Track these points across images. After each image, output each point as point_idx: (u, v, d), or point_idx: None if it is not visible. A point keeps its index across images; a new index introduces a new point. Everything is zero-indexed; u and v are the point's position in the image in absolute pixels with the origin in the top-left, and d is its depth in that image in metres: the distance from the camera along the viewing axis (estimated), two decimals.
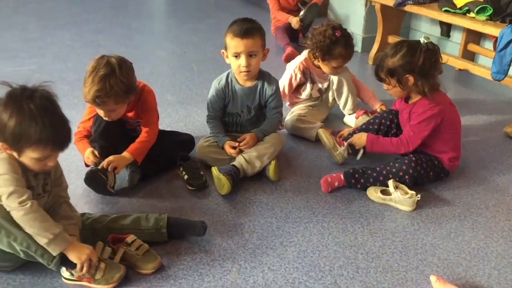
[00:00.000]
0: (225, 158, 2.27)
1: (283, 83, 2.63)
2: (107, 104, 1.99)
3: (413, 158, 2.14)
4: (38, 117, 1.47)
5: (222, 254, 1.81)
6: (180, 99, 3.08)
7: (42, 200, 1.65)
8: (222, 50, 2.28)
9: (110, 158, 2.05)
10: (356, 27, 3.94)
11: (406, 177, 2.12)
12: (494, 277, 1.73)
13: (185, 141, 2.40)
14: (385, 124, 2.34)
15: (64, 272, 1.63)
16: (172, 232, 1.83)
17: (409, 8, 3.35)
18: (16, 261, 1.63)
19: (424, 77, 2.09)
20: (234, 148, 2.25)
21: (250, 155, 2.21)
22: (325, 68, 2.56)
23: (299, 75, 2.62)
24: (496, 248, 1.88)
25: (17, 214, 1.49)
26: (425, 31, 3.97)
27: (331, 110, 2.83)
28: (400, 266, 1.77)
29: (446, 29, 3.61)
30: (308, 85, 2.67)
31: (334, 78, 2.62)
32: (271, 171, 2.21)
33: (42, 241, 1.51)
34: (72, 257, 1.56)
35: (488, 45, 3.47)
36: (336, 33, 2.47)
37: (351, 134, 2.40)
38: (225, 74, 2.35)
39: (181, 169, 2.24)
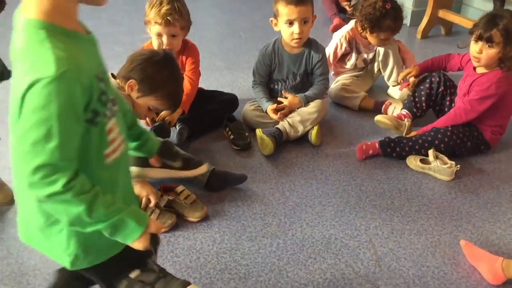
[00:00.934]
0: (269, 122, 2.36)
1: (329, 52, 2.68)
2: (175, 25, 2.13)
3: (449, 128, 2.17)
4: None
5: (264, 209, 1.92)
6: (227, 64, 3.18)
7: None
8: (271, 19, 2.35)
9: (163, 113, 2.19)
10: (407, 0, 3.90)
11: (442, 145, 2.16)
12: None
13: (229, 100, 2.49)
14: (435, 83, 2.37)
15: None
16: (213, 181, 1.98)
17: None
18: None
19: None
20: (277, 111, 2.33)
21: (293, 120, 2.29)
22: (372, 39, 2.58)
23: (344, 45, 2.66)
24: None
25: None
26: (477, 6, 3.89)
27: (375, 81, 2.86)
28: (434, 230, 1.83)
29: (500, 3, 3.52)
30: (354, 55, 2.70)
31: (381, 50, 2.65)
32: (313, 135, 2.28)
33: None
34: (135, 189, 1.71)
35: None
36: (386, 6, 2.48)
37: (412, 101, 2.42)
38: (272, 41, 2.42)
39: (227, 129, 2.35)
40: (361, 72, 2.79)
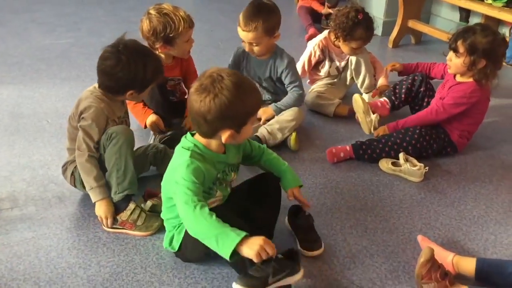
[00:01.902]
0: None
1: (303, 60, 2.80)
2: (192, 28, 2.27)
3: (417, 131, 2.31)
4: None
5: None
6: None
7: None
8: None
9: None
10: (377, 11, 4.07)
11: (410, 148, 2.29)
12: (491, 241, 1.90)
13: None
14: (417, 80, 2.53)
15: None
16: None
17: None
18: None
19: (493, 66, 2.23)
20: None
21: (272, 128, 2.40)
22: (344, 48, 2.71)
23: (318, 53, 2.79)
24: (495, 217, 2.04)
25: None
26: (445, 16, 4.08)
27: (349, 88, 2.99)
28: (405, 228, 1.95)
29: (465, 15, 3.71)
30: (327, 63, 2.83)
31: (353, 58, 2.78)
32: (292, 141, 2.39)
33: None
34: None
35: (506, 31, 3.57)
36: (359, 16, 2.62)
37: (391, 90, 2.60)
38: None
39: None
40: (335, 80, 2.91)
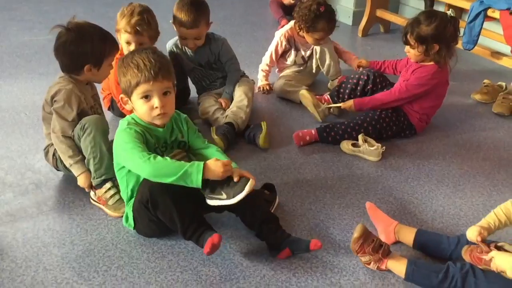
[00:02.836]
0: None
1: (271, 49, 2.94)
2: (143, 34, 2.35)
3: (378, 113, 2.46)
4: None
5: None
6: None
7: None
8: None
9: None
10: (347, 1, 4.20)
11: (370, 128, 2.44)
12: (439, 212, 2.05)
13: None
14: (363, 80, 2.64)
15: (92, 193, 2.01)
16: None
17: None
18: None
19: (447, 48, 2.37)
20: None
21: (232, 111, 2.54)
22: (309, 39, 2.84)
23: (284, 43, 2.92)
24: (445, 190, 2.19)
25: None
26: (413, 5, 4.22)
27: (317, 76, 3.13)
28: (360, 203, 2.09)
29: (430, 3, 3.85)
30: (293, 52, 2.97)
31: (317, 48, 2.91)
32: (261, 140, 2.44)
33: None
34: None
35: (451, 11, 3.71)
36: (321, 8, 2.75)
37: (336, 90, 2.71)
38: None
39: None
40: (301, 68, 3.05)
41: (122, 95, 1.79)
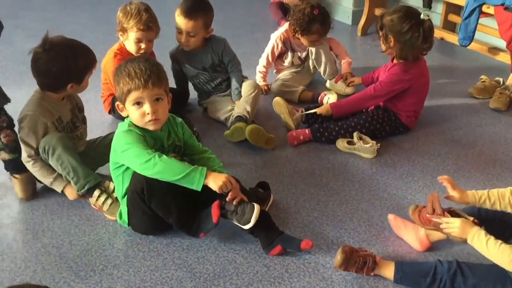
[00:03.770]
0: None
1: (267, 52, 2.97)
2: (153, 30, 2.42)
3: (370, 114, 2.48)
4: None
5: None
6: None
7: (81, 129, 2.15)
8: None
9: None
10: (347, 1, 4.22)
11: (363, 130, 2.46)
12: None
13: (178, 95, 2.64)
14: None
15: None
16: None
17: None
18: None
19: (403, 44, 2.38)
20: None
21: (238, 103, 2.60)
22: (304, 41, 2.87)
23: (280, 45, 2.95)
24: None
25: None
26: (412, 3, 4.22)
27: (315, 76, 3.15)
28: (354, 200, 2.12)
29: (428, 0, 3.85)
30: (289, 54, 3.00)
31: (313, 49, 2.94)
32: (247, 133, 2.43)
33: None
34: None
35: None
36: (314, 11, 2.77)
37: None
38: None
39: None
40: (299, 69, 3.07)
41: (118, 103, 1.84)
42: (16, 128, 2.08)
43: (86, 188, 1.98)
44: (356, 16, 4.19)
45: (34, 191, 2.13)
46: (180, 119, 1.98)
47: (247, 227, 1.77)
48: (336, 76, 3.03)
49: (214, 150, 2.38)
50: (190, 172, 1.70)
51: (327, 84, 3.10)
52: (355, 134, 2.43)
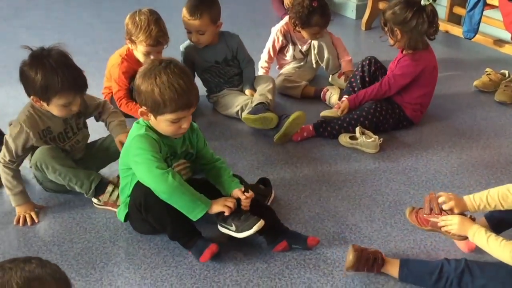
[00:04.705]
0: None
1: (268, 46, 2.95)
2: (163, 43, 2.39)
3: (373, 106, 2.46)
4: (58, 69, 1.82)
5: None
6: None
7: (78, 136, 2.08)
8: None
9: None
10: None
11: (366, 122, 2.44)
12: None
13: None
14: (366, 64, 2.64)
15: (94, 199, 2.03)
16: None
17: None
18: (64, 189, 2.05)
19: (410, 33, 2.36)
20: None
21: (260, 94, 2.58)
22: (305, 34, 2.85)
23: (281, 38, 2.93)
24: (442, 180, 2.18)
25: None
26: None
27: (318, 71, 3.13)
28: (356, 195, 2.10)
29: None
30: (290, 47, 2.97)
31: (315, 43, 2.92)
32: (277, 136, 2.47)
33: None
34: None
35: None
36: (313, 4, 2.75)
37: (349, 87, 2.70)
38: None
39: None
40: (301, 64, 3.05)
41: (142, 109, 1.73)
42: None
43: (93, 187, 1.98)
44: (360, 10, 4.15)
45: None
46: (196, 125, 1.93)
47: (242, 235, 1.73)
48: (339, 72, 3.00)
49: (216, 146, 2.40)
50: (192, 206, 1.69)
51: (330, 79, 3.07)
52: (357, 129, 2.41)
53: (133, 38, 2.39)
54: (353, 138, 2.43)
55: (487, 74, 2.94)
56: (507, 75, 2.92)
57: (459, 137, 2.50)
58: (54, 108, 1.90)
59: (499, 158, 2.33)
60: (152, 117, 1.73)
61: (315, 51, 2.94)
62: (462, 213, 1.60)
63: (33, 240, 1.89)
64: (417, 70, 2.43)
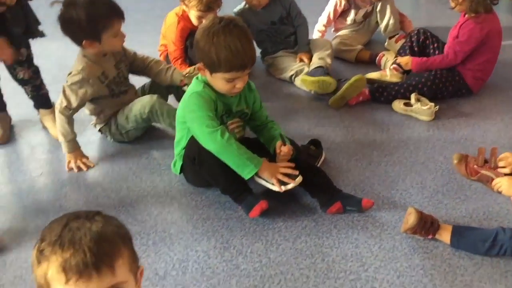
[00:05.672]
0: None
1: (328, 10, 2.91)
2: (215, 9, 2.43)
3: (433, 73, 2.39)
4: (93, 2, 1.88)
5: None
6: None
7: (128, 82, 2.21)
8: None
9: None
10: None
11: (425, 89, 2.38)
12: None
13: None
14: (414, 35, 2.58)
15: None
16: None
17: None
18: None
19: None
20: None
21: (317, 56, 2.60)
22: None
23: (343, 2, 2.87)
24: (500, 151, 2.10)
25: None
26: None
27: (373, 35, 3.06)
28: (408, 161, 2.08)
29: None
30: (352, 11, 2.91)
31: (377, 3, 2.85)
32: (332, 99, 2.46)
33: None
34: None
35: None
36: None
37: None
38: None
39: None
40: (359, 27, 2.99)
41: (200, 64, 1.76)
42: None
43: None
44: None
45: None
46: (254, 86, 1.95)
47: (276, 189, 1.75)
48: (397, 36, 2.92)
49: (268, 107, 2.40)
50: (244, 166, 1.71)
51: (386, 43, 3.00)
52: (412, 95, 2.36)
53: (186, 2, 2.42)
54: (407, 104, 2.39)
55: None
56: None
57: None
58: (107, 42, 1.97)
59: None
60: (208, 73, 1.76)
61: (378, 9, 2.89)
62: None
63: (93, 186, 2.00)
64: (482, 33, 2.33)
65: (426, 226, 1.63)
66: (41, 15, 2.22)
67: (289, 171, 1.76)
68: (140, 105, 2.10)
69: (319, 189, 1.81)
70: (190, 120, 1.78)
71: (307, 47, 2.70)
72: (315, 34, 3.03)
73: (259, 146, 1.92)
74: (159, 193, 1.95)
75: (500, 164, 1.59)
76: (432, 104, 2.32)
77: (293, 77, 2.62)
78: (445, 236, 1.64)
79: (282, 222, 1.79)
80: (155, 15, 3.43)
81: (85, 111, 2.21)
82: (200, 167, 1.80)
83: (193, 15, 2.46)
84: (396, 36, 2.92)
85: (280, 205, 1.86)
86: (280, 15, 2.69)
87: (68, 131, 2.08)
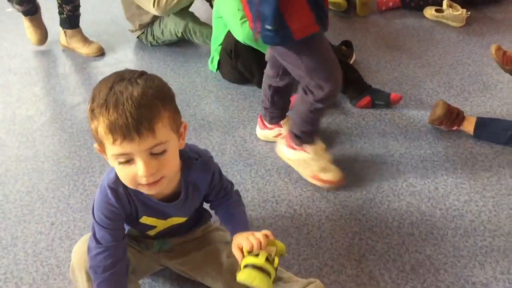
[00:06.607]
0: None
1: None
2: None
3: None
4: None
5: None
6: None
7: None
8: None
9: None
10: None
11: None
12: None
13: None
14: None
15: None
16: None
17: None
18: None
19: None
20: None
21: None
22: None
23: None
24: None
25: None
26: None
27: None
28: (436, 64, 2.14)
29: None
30: None
31: None
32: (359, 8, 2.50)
33: None
34: None
35: None
36: None
37: None
38: None
39: None
40: None
41: None
42: None
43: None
44: None
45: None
46: None
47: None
48: None
49: None
50: None
51: None
52: (445, 1, 2.37)
53: None
54: (438, 11, 2.40)
55: None
56: None
57: None
58: None
59: None
60: None
61: None
62: None
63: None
64: None
65: (452, 117, 1.71)
66: None
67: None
68: (174, 24, 2.19)
69: (350, 84, 1.89)
70: (225, 14, 1.86)
71: None
72: None
73: None
74: (196, 87, 2.06)
75: None
76: (464, 10, 2.33)
77: None
78: (469, 127, 1.72)
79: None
80: None
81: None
82: (236, 60, 1.89)
83: None
84: None
85: None
86: None
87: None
